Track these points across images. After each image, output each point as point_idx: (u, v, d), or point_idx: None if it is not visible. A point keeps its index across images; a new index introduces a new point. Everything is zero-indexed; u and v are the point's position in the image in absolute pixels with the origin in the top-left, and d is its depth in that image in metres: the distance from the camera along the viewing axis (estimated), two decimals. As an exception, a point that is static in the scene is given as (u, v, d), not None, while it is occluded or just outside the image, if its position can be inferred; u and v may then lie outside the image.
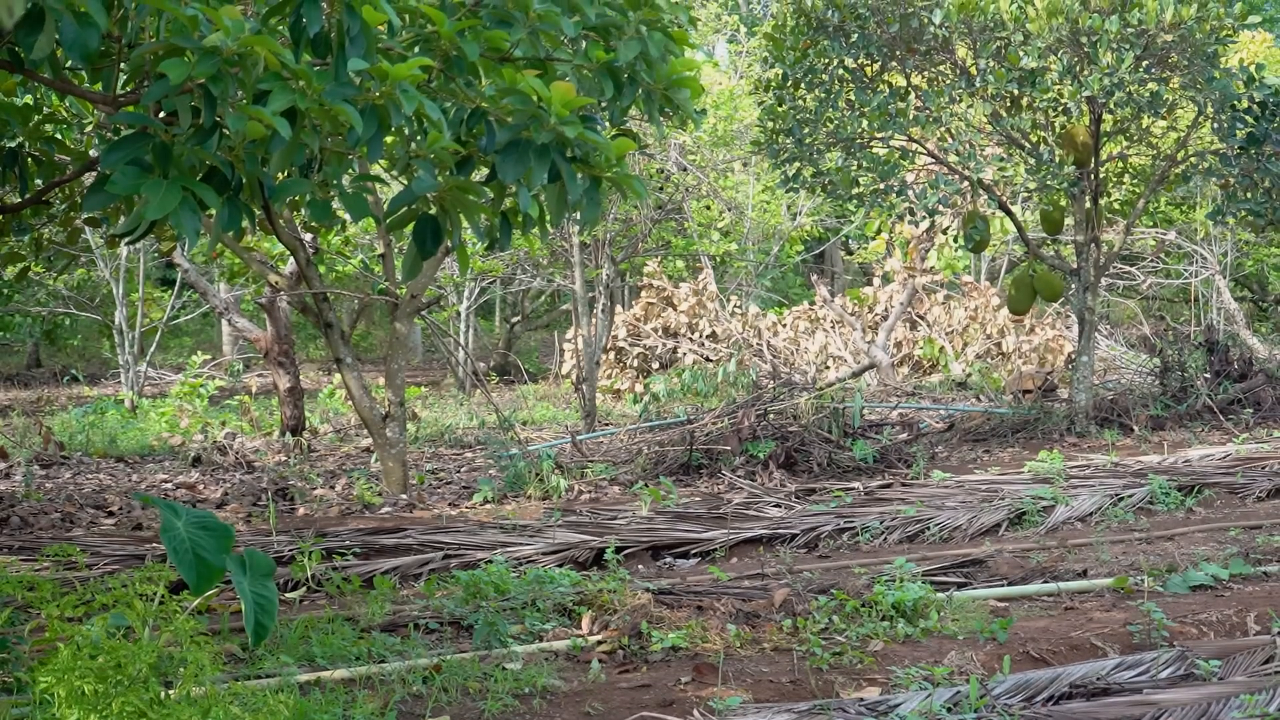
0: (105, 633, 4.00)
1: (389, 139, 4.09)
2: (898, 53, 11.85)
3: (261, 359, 15.20)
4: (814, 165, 12.15)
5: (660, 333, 19.94)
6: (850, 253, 27.55)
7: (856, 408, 11.53)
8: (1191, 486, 9.36)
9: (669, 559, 7.87)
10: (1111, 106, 11.63)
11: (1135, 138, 13.02)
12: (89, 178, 6.02)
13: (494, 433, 13.00)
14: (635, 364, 19.78)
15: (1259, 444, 11.35)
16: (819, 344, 20.27)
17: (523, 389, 19.80)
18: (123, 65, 4.41)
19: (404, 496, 9.91)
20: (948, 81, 12.03)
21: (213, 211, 3.85)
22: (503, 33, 4.19)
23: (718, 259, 21.05)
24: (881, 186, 11.95)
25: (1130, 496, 8.99)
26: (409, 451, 11.40)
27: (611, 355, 19.59)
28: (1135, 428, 12.61)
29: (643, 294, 20.56)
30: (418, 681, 5.09)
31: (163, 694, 3.86)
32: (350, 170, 4.29)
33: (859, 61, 11.90)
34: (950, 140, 11.74)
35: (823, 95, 11.87)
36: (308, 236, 10.89)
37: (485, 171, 4.39)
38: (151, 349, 19.12)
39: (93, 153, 5.96)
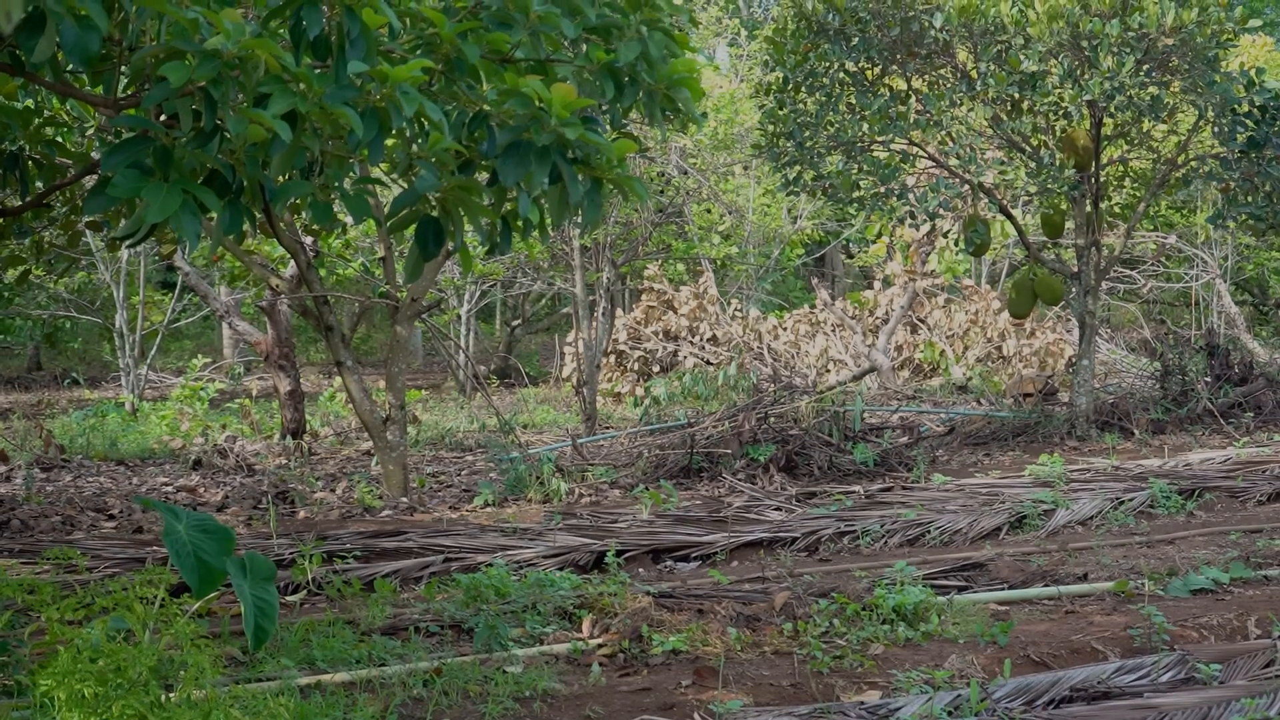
0: (105, 636, 3.99)
1: (390, 141, 4.09)
2: (898, 56, 11.85)
3: (262, 362, 15.20)
4: (815, 168, 12.14)
5: (661, 336, 19.94)
6: (851, 256, 27.56)
7: (857, 411, 11.53)
8: (1192, 490, 9.35)
9: (669, 562, 7.86)
10: (1112, 110, 11.63)
11: (1136, 141, 13.03)
12: (90, 181, 6.03)
13: (494, 436, 13.00)
14: (636, 367, 19.78)
15: (1259, 448, 11.34)
16: (819, 347, 20.27)
17: (523, 392, 19.81)
18: (123, 68, 4.40)
19: (404, 500, 9.91)
20: (948, 85, 12.04)
21: (213, 215, 3.85)
22: (504, 35, 4.19)
23: (718, 262, 21.06)
24: (882, 190, 11.95)
25: (1131, 500, 8.98)
26: (409, 455, 11.39)
27: (612, 358, 19.59)
28: (1136, 431, 12.61)
29: (643, 297, 20.56)
30: (418, 685, 5.09)
31: (163, 697, 3.85)
32: (351, 173, 4.28)
33: (859, 65, 11.90)
34: (951, 144, 11.74)
35: (823, 99, 11.87)
36: (308, 240, 10.89)
37: (486, 175, 4.39)
38: (152, 352, 19.13)
39: (94, 156, 5.97)
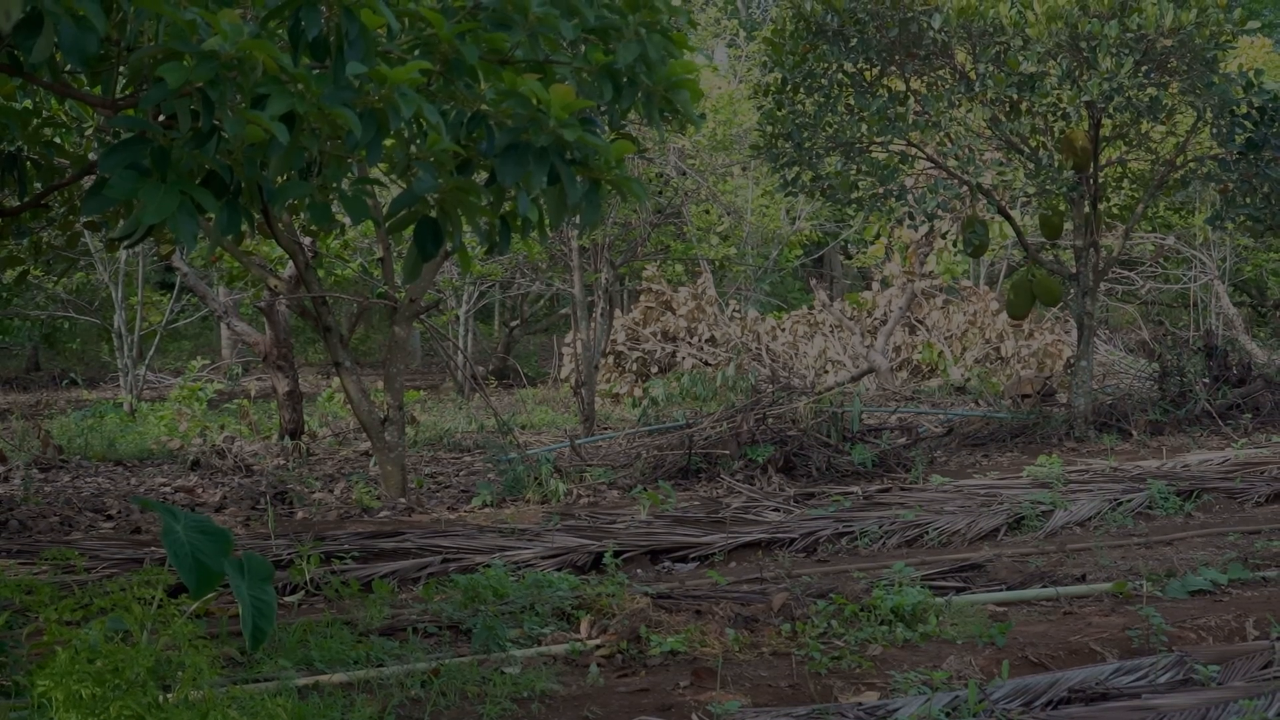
0: (103, 636, 3.99)
1: (388, 142, 4.08)
2: (897, 57, 11.85)
3: (260, 363, 15.20)
4: (813, 169, 12.14)
5: (659, 337, 19.94)
6: (849, 257, 27.57)
7: (855, 412, 11.53)
8: (1190, 491, 9.35)
9: (667, 563, 7.86)
10: (1111, 111, 11.64)
11: (1134, 142, 13.03)
12: (88, 181, 6.02)
13: (493, 437, 13.00)
14: (634, 368, 19.78)
15: (1258, 449, 11.34)
16: (818, 348, 20.27)
17: (521, 393, 19.80)
18: (121, 69, 4.40)
19: (402, 500, 9.91)
20: (947, 86, 12.04)
21: (211, 215, 3.85)
22: (502, 35, 4.19)
23: (717, 263, 21.05)
24: (881, 191, 11.95)
25: (1129, 501, 8.98)
26: (407, 455, 11.39)
27: (610, 359, 19.58)
28: (1134, 432, 12.61)
29: (641, 298, 20.56)
30: (416, 685, 5.09)
31: (161, 698, 3.85)
32: (350, 174, 4.28)
33: (858, 66, 11.90)
34: (949, 145, 11.74)
35: (822, 100, 11.87)
36: (307, 240, 10.89)
37: (485, 175, 4.39)
38: (150, 353, 19.11)
39: (92, 156, 5.96)
